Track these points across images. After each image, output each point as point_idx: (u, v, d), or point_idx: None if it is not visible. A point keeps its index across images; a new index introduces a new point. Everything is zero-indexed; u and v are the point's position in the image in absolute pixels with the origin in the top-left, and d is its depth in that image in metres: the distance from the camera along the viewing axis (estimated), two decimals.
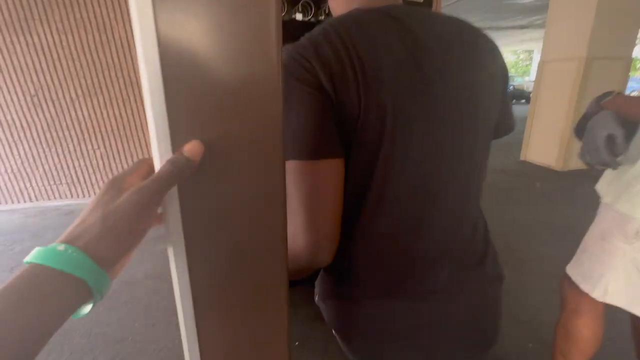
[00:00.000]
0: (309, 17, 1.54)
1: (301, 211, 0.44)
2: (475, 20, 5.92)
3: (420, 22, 0.47)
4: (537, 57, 20.71)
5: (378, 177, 0.46)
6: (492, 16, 8.18)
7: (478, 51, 0.51)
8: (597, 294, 0.96)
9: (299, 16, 1.46)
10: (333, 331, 0.58)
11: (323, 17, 1.59)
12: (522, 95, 13.98)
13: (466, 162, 0.52)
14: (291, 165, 0.43)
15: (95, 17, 2.98)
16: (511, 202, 3.23)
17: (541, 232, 2.58)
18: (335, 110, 0.43)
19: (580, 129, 0.99)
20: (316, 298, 0.60)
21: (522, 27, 9.92)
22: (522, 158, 4.72)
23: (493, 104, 0.53)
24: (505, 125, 0.59)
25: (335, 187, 0.45)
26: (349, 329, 0.55)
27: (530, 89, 14.05)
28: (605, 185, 1.00)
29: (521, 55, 22.73)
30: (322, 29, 0.45)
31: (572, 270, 1.04)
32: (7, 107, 3.01)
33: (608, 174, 1.00)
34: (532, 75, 19.87)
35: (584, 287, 0.99)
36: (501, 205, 3.09)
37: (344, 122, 0.44)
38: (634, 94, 3.60)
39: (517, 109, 12.54)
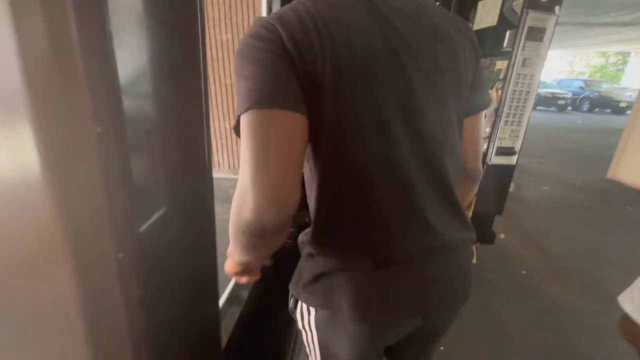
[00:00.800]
0: None
1: (251, 164, 0.42)
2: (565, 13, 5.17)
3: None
4: (633, 61, 17.95)
5: (352, 148, 0.48)
6: (584, 10, 7.13)
7: (443, 27, 0.52)
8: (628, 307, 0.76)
9: None
10: (321, 311, 0.58)
11: None
12: (609, 104, 12.25)
13: (438, 132, 0.53)
14: (246, 117, 0.42)
15: None
16: (595, 225, 2.81)
17: (632, 263, 2.20)
18: (300, 78, 0.43)
19: None
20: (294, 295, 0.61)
21: (623, 24, 8.54)
22: (609, 176, 4.10)
23: (462, 77, 0.53)
24: (480, 100, 0.58)
25: (290, 143, 0.44)
26: (350, 302, 0.54)
27: (620, 98, 12.38)
28: None
29: (611, 57, 19.90)
30: (291, 4, 0.46)
31: (624, 297, 0.86)
32: None
33: None
34: (624, 82, 17.30)
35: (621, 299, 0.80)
36: (583, 227, 2.71)
37: (309, 91, 0.44)
38: None
39: (602, 119, 11.06)
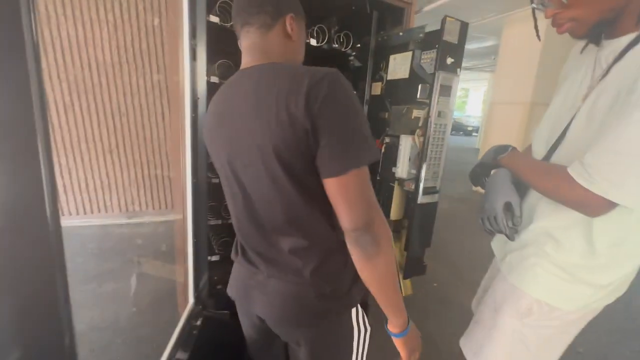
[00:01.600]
0: (322, 43, 1.44)
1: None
2: None
3: (235, 82, 0.70)
4: (472, 95, 23.31)
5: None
6: None
7: (265, 102, 0.62)
8: None
9: (312, 41, 1.36)
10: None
11: (337, 45, 1.49)
12: (461, 129, 15.48)
13: (256, 188, 0.68)
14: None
15: None
16: (469, 232, 3.39)
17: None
18: None
19: (475, 177, 0.96)
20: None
21: (463, 69, 11.04)
22: (474, 188, 5.09)
23: (281, 142, 0.61)
24: (327, 167, 0.61)
25: None
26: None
27: (468, 123, 15.86)
28: (499, 246, 0.94)
29: (459, 92, 25.47)
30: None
31: (464, 342, 0.97)
32: None
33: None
34: (468, 111, 22.25)
35: None
36: (459, 235, 3.23)
37: None
38: None
39: (457, 140, 13.78)
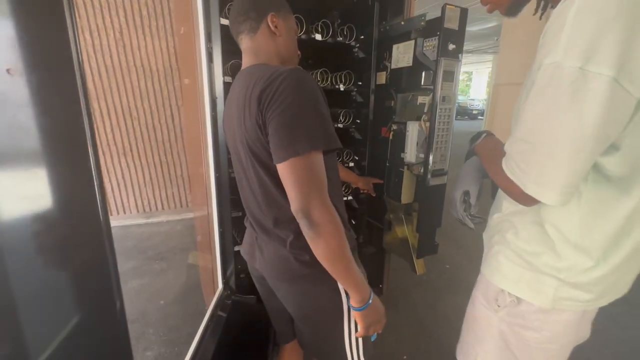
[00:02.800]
0: (326, 37, 1.48)
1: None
2: None
3: (235, 81, 0.83)
4: (475, 78, 22.85)
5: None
6: None
7: (241, 102, 0.75)
8: None
9: (317, 36, 1.40)
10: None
11: (341, 38, 1.54)
12: (466, 113, 15.28)
13: (248, 172, 0.82)
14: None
15: None
16: None
17: None
18: None
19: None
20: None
21: (465, 52, 10.90)
22: None
23: (248, 137, 0.75)
24: (274, 155, 0.70)
25: None
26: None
27: (472, 107, 15.65)
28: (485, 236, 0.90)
29: (461, 76, 25.05)
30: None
31: (458, 347, 0.92)
32: None
33: None
34: (472, 94, 21.86)
35: (458, 355, 0.90)
36: None
37: None
38: None
39: (463, 125, 13.63)
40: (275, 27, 0.81)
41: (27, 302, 0.34)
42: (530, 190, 0.58)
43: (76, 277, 0.40)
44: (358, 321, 0.80)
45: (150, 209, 3.71)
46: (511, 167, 0.61)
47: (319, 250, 0.70)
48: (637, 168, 0.58)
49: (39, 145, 0.29)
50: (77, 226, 0.42)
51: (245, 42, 0.83)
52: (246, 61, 0.84)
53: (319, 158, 0.69)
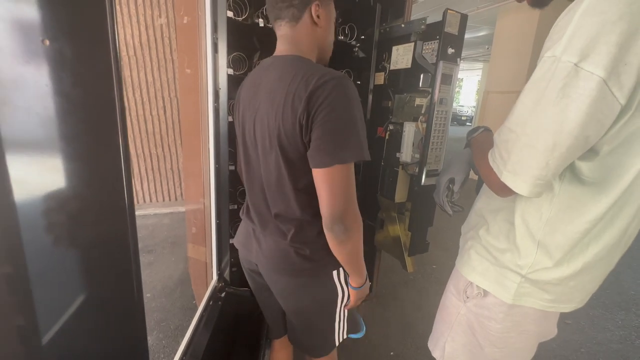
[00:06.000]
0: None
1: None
2: None
3: (265, 69, 0.80)
4: (466, 85, 23.25)
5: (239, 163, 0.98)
6: None
7: (279, 93, 0.73)
8: (437, 354, 0.91)
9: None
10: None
11: (342, 37, 1.55)
12: (455, 119, 15.57)
13: (264, 159, 0.82)
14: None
15: None
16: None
17: None
18: None
19: None
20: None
21: None
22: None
23: (283, 130, 0.73)
24: (316, 159, 0.71)
25: None
26: None
27: (462, 113, 15.95)
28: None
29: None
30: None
31: (430, 336, 0.97)
32: None
33: None
34: (461, 101, 22.26)
35: (429, 344, 0.95)
36: (454, 221, 3.34)
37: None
38: None
39: (453, 130, 13.93)
40: (318, 17, 0.78)
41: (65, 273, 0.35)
42: (504, 177, 0.60)
43: (97, 251, 0.41)
44: (352, 297, 0.91)
45: (138, 202, 3.65)
46: (493, 155, 0.63)
47: (345, 251, 0.76)
48: (610, 176, 0.59)
49: (70, 117, 0.29)
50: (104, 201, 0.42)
51: (283, 29, 0.79)
52: (281, 49, 0.81)
53: (353, 167, 0.72)
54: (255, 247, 0.92)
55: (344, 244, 0.74)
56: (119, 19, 3.06)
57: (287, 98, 0.70)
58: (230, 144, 1.15)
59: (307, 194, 0.78)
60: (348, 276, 0.90)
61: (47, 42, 0.26)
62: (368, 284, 0.91)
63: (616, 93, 0.50)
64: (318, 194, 0.73)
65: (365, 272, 0.87)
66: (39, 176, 0.34)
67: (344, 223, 0.71)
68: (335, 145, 0.68)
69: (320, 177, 0.71)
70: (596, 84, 0.49)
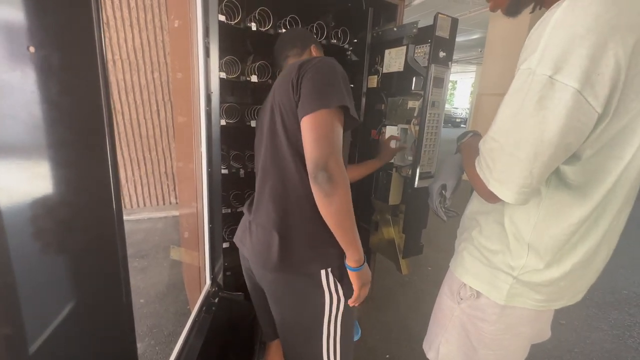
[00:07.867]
0: (321, 39, 1.50)
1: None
2: None
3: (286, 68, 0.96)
4: (460, 87, 23.48)
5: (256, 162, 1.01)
6: None
7: (287, 74, 0.83)
8: (432, 356, 0.91)
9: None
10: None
11: (335, 40, 1.56)
12: (450, 121, 15.71)
13: (266, 134, 0.88)
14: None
15: None
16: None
17: None
18: None
19: None
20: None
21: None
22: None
23: (279, 99, 0.83)
24: (303, 107, 0.76)
25: None
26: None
27: (456, 115, 16.10)
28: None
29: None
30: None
31: (425, 338, 0.98)
32: None
33: None
34: (455, 103, 22.46)
35: (424, 345, 0.96)
36: (449, 223, 3.35)
37: None
38: None
39: (447, 132, 14.04)
40: (316, 55, 1.06)
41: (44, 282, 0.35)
42: (492, 186, 0.61)
43: (85, 257, 0.41)
44: (354, 282, 0.84)
45: (132, 206, 3.61)
46: (480, 163, 0.65)
47: (333, 205, 0.73)
48: (593, 179, 0.61)
49: (57, 124, 0.29)
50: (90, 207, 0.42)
51: (290, 62, 1.04)
52: None
53: (341, 121, 0.77)
54: (248, 240, 0.93)
55: (329, 197, 0.71)
56: (112, 23, 3.05)
57: (284, 79, 0.83)
58: (222, 147, 1.14)
59: (302, 163, 0.80)
60: (338, 283, 0.86)
61: (33, 49, 0.26)
62: (367, 267, 0.86)
63: (592, 102, 0.51)
64: (304, 146, 0.75)
65: (360, 247, 0.81)
66: (25, 183, 0.34)
67: (327, 171, 0.70)
68: (321, 94, 0.75)
69: (306, 124, 0.75)
70: (571, 95, 0.50)
